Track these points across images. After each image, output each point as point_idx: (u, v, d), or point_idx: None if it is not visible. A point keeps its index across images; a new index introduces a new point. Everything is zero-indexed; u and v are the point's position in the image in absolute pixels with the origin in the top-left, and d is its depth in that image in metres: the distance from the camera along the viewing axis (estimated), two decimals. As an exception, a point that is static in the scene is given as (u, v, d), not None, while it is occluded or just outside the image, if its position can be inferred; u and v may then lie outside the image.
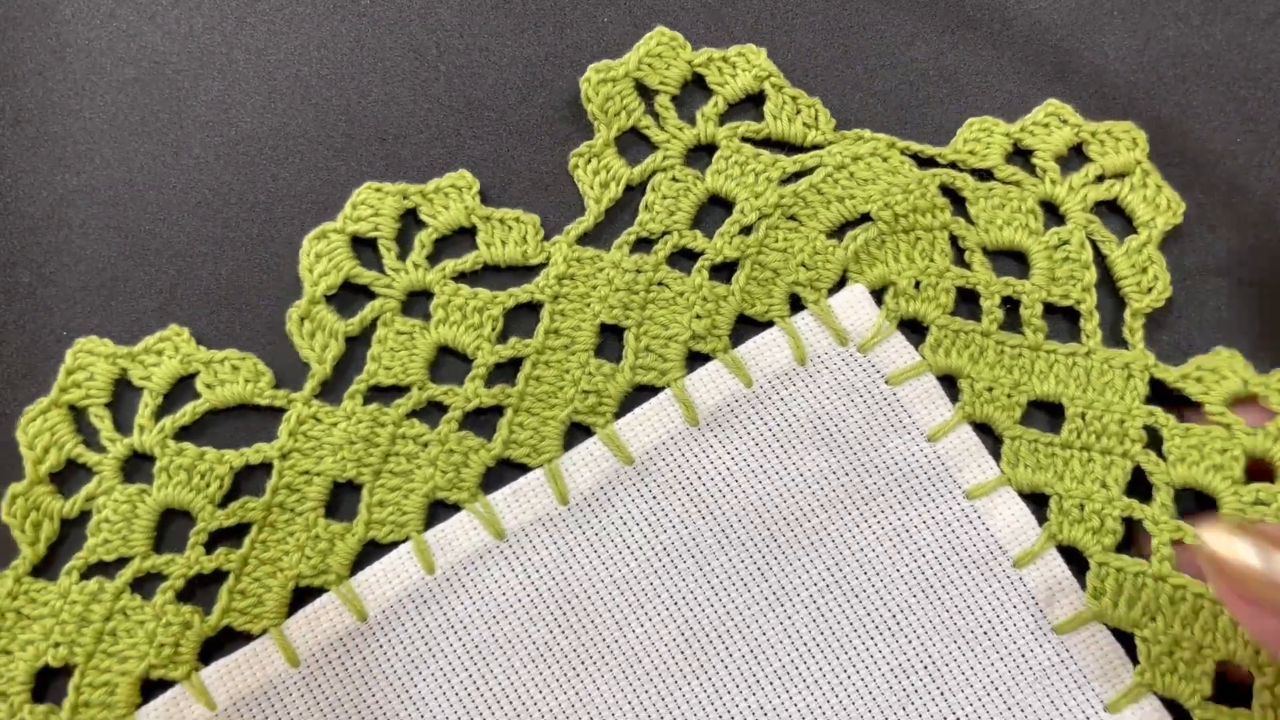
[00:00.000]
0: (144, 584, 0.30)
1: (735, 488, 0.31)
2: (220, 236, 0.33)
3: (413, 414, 0.32)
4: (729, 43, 0.34)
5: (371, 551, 0.31)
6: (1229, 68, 0.35)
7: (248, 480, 0.31)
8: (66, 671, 0.30)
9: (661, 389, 0.32)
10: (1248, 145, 0.34)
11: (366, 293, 0.32)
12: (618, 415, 0.32)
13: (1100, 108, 0.34)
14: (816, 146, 0.33)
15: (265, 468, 0.31)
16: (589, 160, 0.33)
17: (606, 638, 0.30)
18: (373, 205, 0.32)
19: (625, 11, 0.35)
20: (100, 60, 0.34)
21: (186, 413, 0.31)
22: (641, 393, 0.32)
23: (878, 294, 0.32)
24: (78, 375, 0.31)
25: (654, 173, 0.33)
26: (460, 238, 0.33)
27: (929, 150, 0.33)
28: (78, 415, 0.31)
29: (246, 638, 0.30)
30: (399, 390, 0.32)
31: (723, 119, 0.34)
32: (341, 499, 0.31)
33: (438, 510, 0.31)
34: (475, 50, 0.34)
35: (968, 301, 0.32)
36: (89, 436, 0.31)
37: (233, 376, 0.31)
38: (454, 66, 0.34)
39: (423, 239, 0.32)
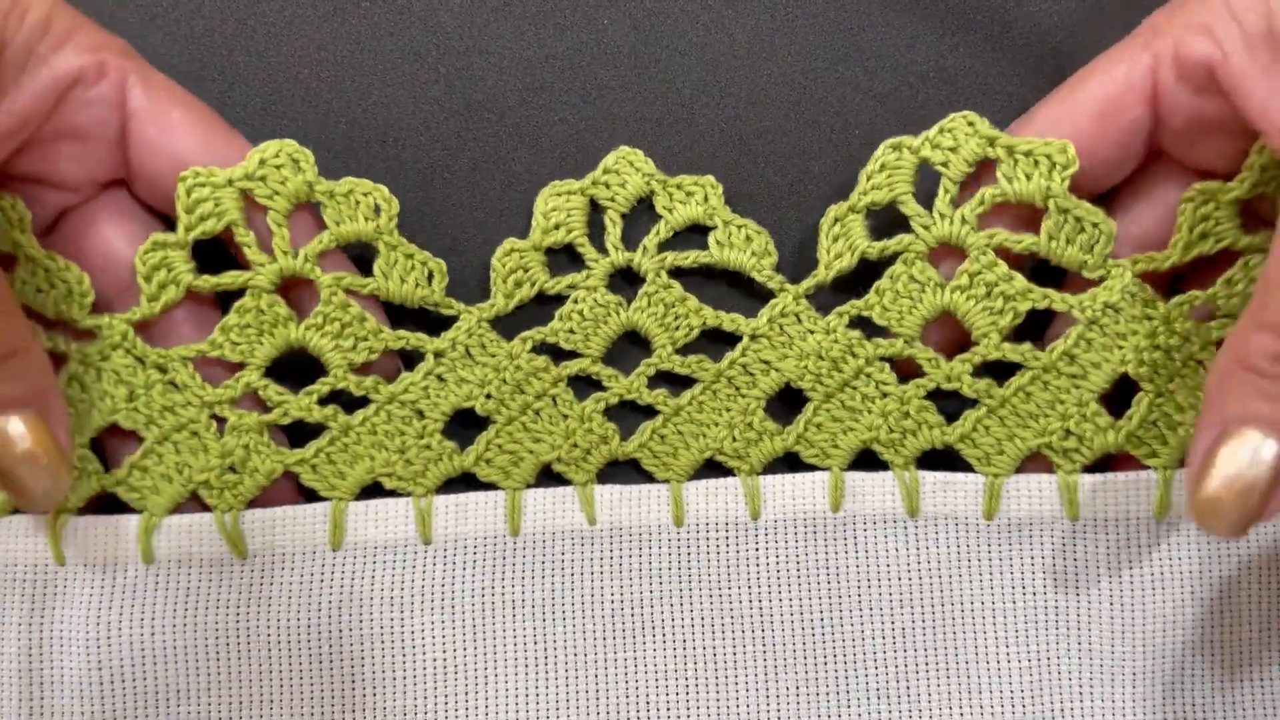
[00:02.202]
0: (579, 385, 0.31)
1: (1159, 593, 0.30)
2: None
3: (888, 361, 0.31)
4: (727, 42, 0.34)
5: (782, 465, 0.31)
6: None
7: (709, 342, 0.32)
8: (481, 425, 0.31)
9: (1146, 468, 0.30)
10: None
11: (902, 224, 0.31)
12: (1085, 470, 0.30)
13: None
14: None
15: (731, 339, 0.31)
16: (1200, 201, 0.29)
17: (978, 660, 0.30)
18: (956, 139, 0.30)
19: (625, 13, 0.35)
20: (101, 61, 0.34)
21: (690, 257, 0.31)
22: (1115, 462, 0.31)
23: None
24: (611, 178, 0.31)
25: None
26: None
27: None
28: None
29: (645, 479, 0.31)
30: (882, 332, 0.31)
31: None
32: (784, 404, 0.31)
33: (865, 459, 0.31)
34: (475, 51, 0.34)
35: None
36: (595, 234, 0.32)
37: (744, 245, 0.31)
38: (454, 67, 0.34)
39: (986, 195, 0.30)
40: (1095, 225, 0.30)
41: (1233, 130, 0.28)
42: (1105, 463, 0.32)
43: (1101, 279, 0.30)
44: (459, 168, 0.34)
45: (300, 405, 0.30)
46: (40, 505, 0.27)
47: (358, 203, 0.30)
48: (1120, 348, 0.30)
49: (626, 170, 0.31)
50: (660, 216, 0.32)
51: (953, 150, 0.30)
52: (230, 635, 0.30)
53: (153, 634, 0.29)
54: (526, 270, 0.31)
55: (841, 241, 0.31)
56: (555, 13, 0.35)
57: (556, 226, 0.31)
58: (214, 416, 0.30)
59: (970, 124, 0.30)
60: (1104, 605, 0.30)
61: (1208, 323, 0.30)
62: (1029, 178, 0.29)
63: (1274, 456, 0.26)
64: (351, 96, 0.34)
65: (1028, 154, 0.29)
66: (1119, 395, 0.31)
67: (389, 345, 0.31)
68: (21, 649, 0.29)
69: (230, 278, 0.30)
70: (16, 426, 0.26)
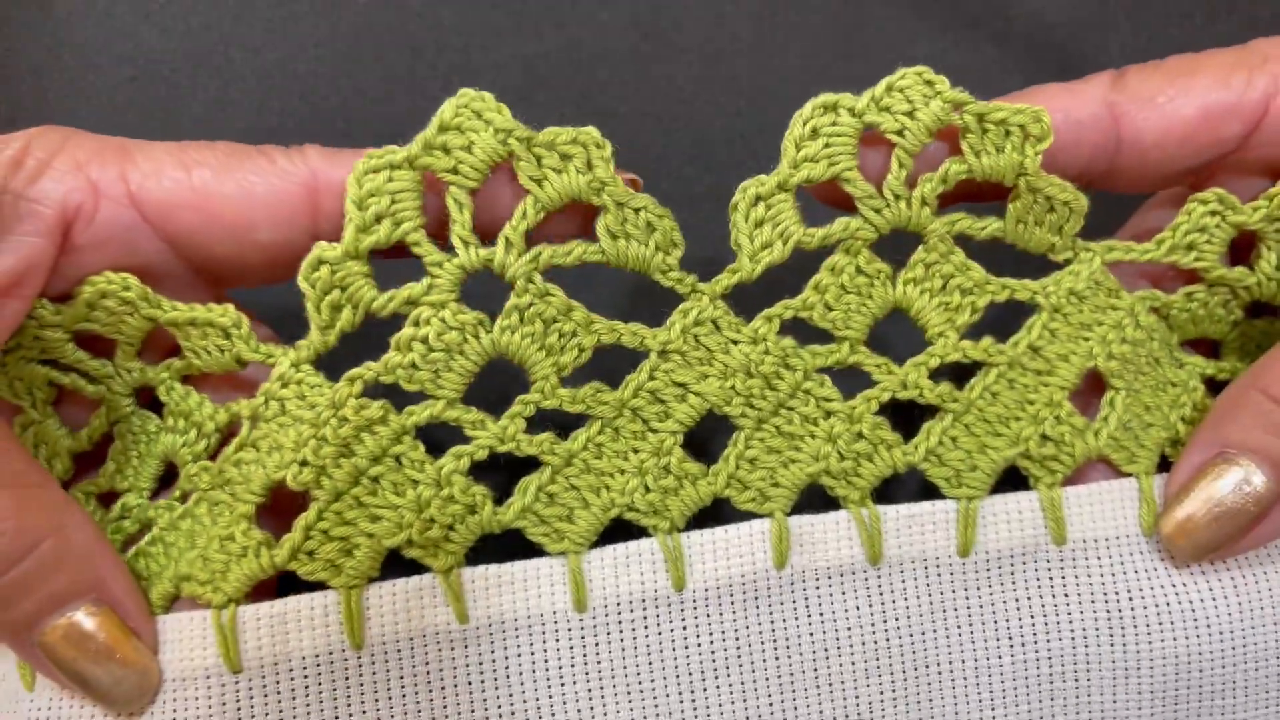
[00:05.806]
0: (434, 437, 0.24)
1: (1166, 627, 0.25)
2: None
3: (829, 372, 0.25)
4: (730, 42, 0.34)
5: (718, 511, 0.25)
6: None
7: (604, 365, 0.25)
8: (303, 503, 0.23)
9: (1127, 476, 0.26)
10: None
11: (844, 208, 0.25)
12: (1066, 481, 0.26)
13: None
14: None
15: (634, 358, 0.25)
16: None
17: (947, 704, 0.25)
18: (911, 100, 0.24)
19: (625, 11, 0.35)
20: (97, 59, 0.34)
21: (571, 253, 0.24)
22: (1079, 474, 0.26)
23: None
24: (451, 139, 0.23)
25: None
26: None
27: None
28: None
29: (533, 553, 0.24)
30: (824, 336, 0.25)
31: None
32: (708, 436, 0.25)
33: (815, 498, 0.25)
34: (475, 50, 0.34)
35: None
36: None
37: (644, 236, 0.24)
38: (453, 66, 0.34)
39: (949, 171, 0.25)
40: (1066, 203, 0.25)
41: None
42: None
43: (1068, 262, 0.26)
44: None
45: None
46: (124, 706, 0.23)
47: (103, 293, 0.24)
48: (1086, 339, 0.26)
49: (473, 126, 0.23)
50: (526, 191, 0.23)
51: (908, 115, 0.24)
52: None
53: None
54: (345, 288, 0.23)
55: (769, 228, 0.24)
56: (555, 12, 0.35)
57: (378, 219, 0.23)
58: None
59: (928, 82, 0.24)
60: (1104, 647, 0.25)
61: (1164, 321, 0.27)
62: (1000, 151, 0.24)
63: (1261, 490, 0.25)
64: (349, 93, 0.34)
65: (1000, 123, 0.25)
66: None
67: (218, 421, 0.24)
68: None
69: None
70: (80, 623, 0.22)
